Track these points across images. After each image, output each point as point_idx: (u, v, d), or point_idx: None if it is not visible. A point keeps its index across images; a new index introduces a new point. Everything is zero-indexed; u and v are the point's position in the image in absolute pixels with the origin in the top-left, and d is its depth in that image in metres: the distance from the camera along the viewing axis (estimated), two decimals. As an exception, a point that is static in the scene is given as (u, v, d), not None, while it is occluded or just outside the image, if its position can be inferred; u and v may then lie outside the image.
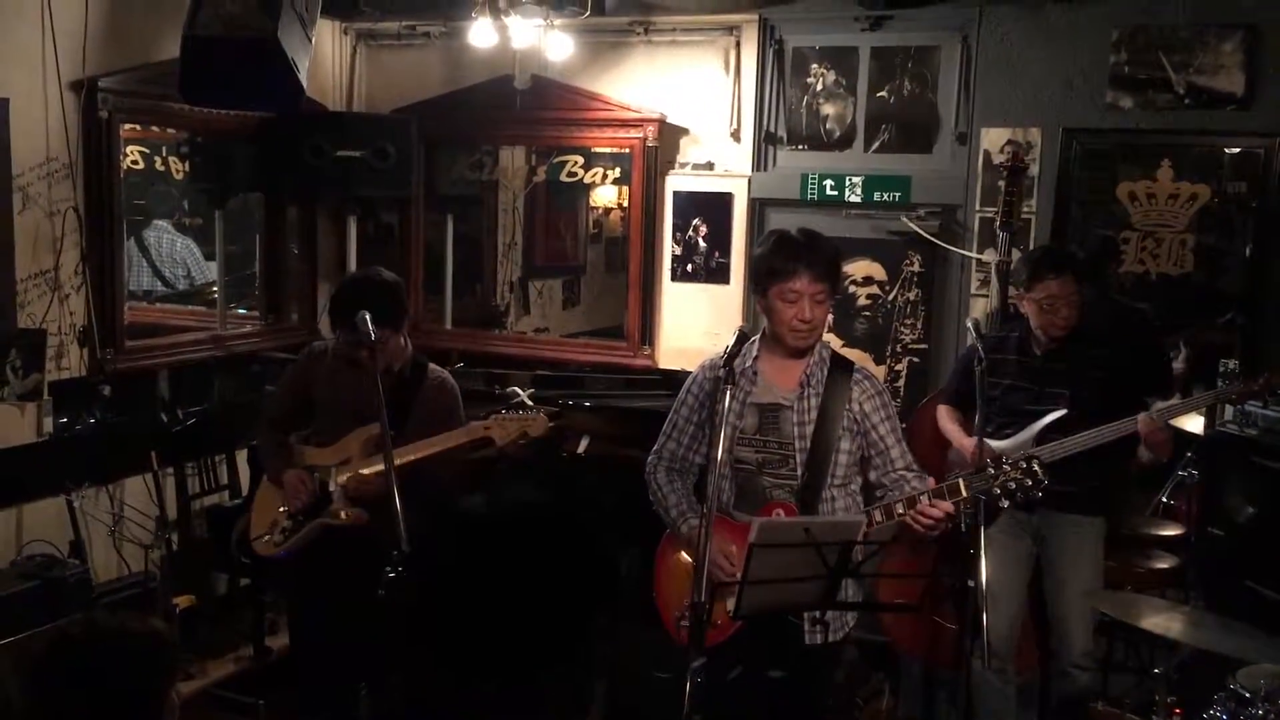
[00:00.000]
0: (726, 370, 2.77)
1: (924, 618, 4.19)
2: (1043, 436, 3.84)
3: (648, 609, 3.24)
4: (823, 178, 5.03)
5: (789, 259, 3.00)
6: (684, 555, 3.11)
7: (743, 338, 2.87)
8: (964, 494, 2.88)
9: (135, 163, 5.86)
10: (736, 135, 5.16)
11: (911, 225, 4.90)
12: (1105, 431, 3.76)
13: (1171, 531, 4.39)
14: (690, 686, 2.59)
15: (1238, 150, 4.55)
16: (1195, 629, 3.01)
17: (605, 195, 6.34)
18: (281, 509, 3.66)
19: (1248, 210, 4.54)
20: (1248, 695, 2.93)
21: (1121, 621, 3.61)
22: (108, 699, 1.95)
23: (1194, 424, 4.22)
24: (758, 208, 5.15)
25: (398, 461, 3.22)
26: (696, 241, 5.27)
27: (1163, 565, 4.32)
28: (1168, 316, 4.67)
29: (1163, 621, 3.04)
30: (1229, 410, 4.06)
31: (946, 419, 4.20)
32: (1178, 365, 4.47)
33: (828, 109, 5.08)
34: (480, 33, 4.82)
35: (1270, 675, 3.05)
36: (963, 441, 4.03)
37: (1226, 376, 4.02)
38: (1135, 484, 4.38)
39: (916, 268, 4.98)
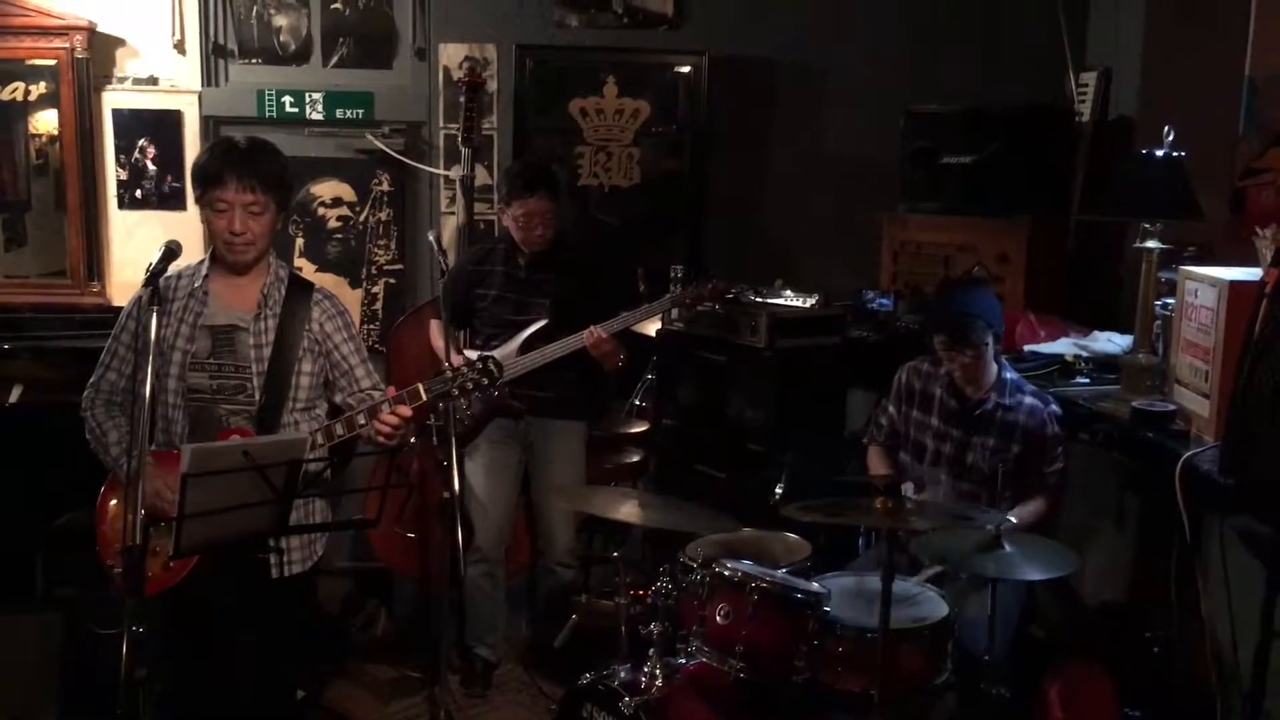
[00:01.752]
0: (149, 290, 2.53)
1: (404, 537, 4.19)
2: (527, 345, 3.95)
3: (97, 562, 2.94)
4: (281, 94, 4.76)
5: (217, 165, 2.80)
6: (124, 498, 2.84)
7: (170, 253, 2.62)
8: (424, 398, 2.86)
9: None
10: (181, 47, 4.74)
11: (377, 143, 4.80)
12: (568, 343, 3.92)
13: (641, 429, 4.71)
14: (129, 638, 2.37)
15: (672, 69, 4.89)
16: (646, 511, 3.20)
17: (48, 121, 5.60)
18: None
19: (685, 128, 4.90)
20: (691, 565, 3.20)
21: (592, 515, 3.83)
22: None
23: (655, 329, 4.55)
24: (212, 126, 4.78)
25: None
26: (145, 165, 4.82)
27: (634, 459, 4.62)
28: (628, 230, 4.96)
29: (622, 509, 3.21)
30: (674, 311, 4.40)
31: (437, 335, 4.21)
32: (640, 285, 4.77)
33: (280, 20, 4.80)
34: None
35: (709, 544, 3.37)
36: (453, 356, 4.04)
37: (677, 281, 4.35)
38: (613, 389, 4.65)
39: (386, 187, 4.89)
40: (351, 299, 4.90)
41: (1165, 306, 3.28)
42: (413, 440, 2.99)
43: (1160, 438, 3.02)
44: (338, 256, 4.93)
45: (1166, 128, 3.21)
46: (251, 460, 2.38)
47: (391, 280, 4.96)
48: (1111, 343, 3.75)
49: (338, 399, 3.03)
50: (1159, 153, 3.22)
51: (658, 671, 3.05)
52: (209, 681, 2.85)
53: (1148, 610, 3.37)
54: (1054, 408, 3.40)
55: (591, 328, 3.89)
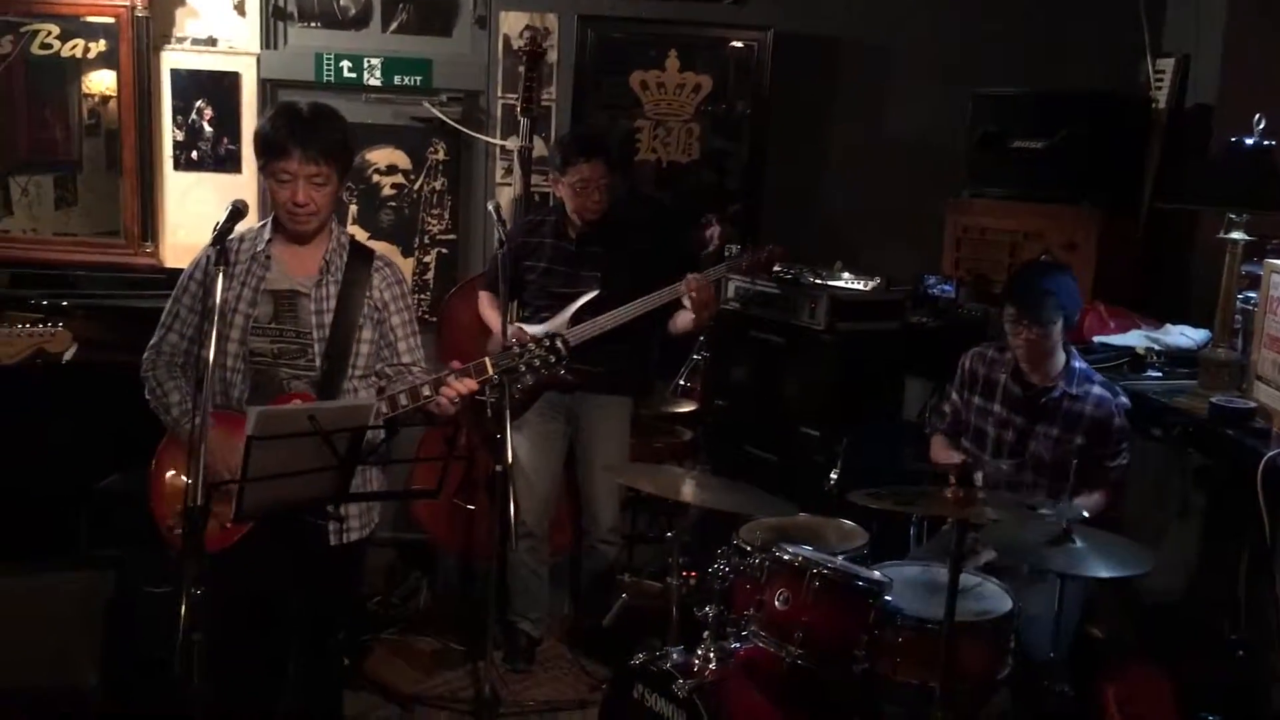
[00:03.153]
0: (218, 249, 2.49)
1: (458, 508, 4.16)
2: (577, 318, 3.89)
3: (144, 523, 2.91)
4: (339, 58, 4.72)
5: (281, 136, 2.74)
6: (185, 458, 2.81)
7: (236, 212, 2.57)
8: (490, 372, 2.82)
9: None
10: (241, 9, 4.70)
11: (435, 111, 4.75)
12: (619, 313, 3.86)
13: (688, 409, 4.65)
14: (188, 600, 2.34)
15: (735, 44, 4.80)
16: (702, 491, 3.14)
17: (101, 81, 5.60)
18: None
19: (746, 104, 4.81)
20: (747, 548, 3.15)
21: (642, 495, 3.78)
22: None
23: (706, 310, 4.48)
24: (269, 89, 4.75)
25: None
26: (201, 126, 4.79)
27: (681, 439, 4.57)
28: (679, 206, 4.89)
29: (674, 487, 3.16)
30: (730, 289, 4.33)
31: (487, 306, 4.17)
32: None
33: (341, -16, 4.77)
34: None
35: (765, 528, 3.31)
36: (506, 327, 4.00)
37: (731, 258, 4.28)
38: (657, 368, 4.59)
39: (441, 155, 4.85)
40: (403, 268, 4.81)
41: (1247, 300, 3.18)
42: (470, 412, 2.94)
43: (1240, 435, 2.93)
44: (391, 225, 4.90)
45: (1258, 115, 3.11)
46: (318, 425, 2.33)
47: (444, 250, 4.92)
48: (1185, 336, 3.65)
49: (376, 366, 2.98)
50: (1248, 141, 3.11)
51: (711, 655, 2.99)
52: (256, 644, 2.83)
53: (1213, 612, 3.28)
54: (1123, 399, 3.31)
55: (690, 276, 3.80)
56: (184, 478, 2.49)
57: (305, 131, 2.75)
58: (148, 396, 2.89)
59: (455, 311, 4.43)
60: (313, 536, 2.79)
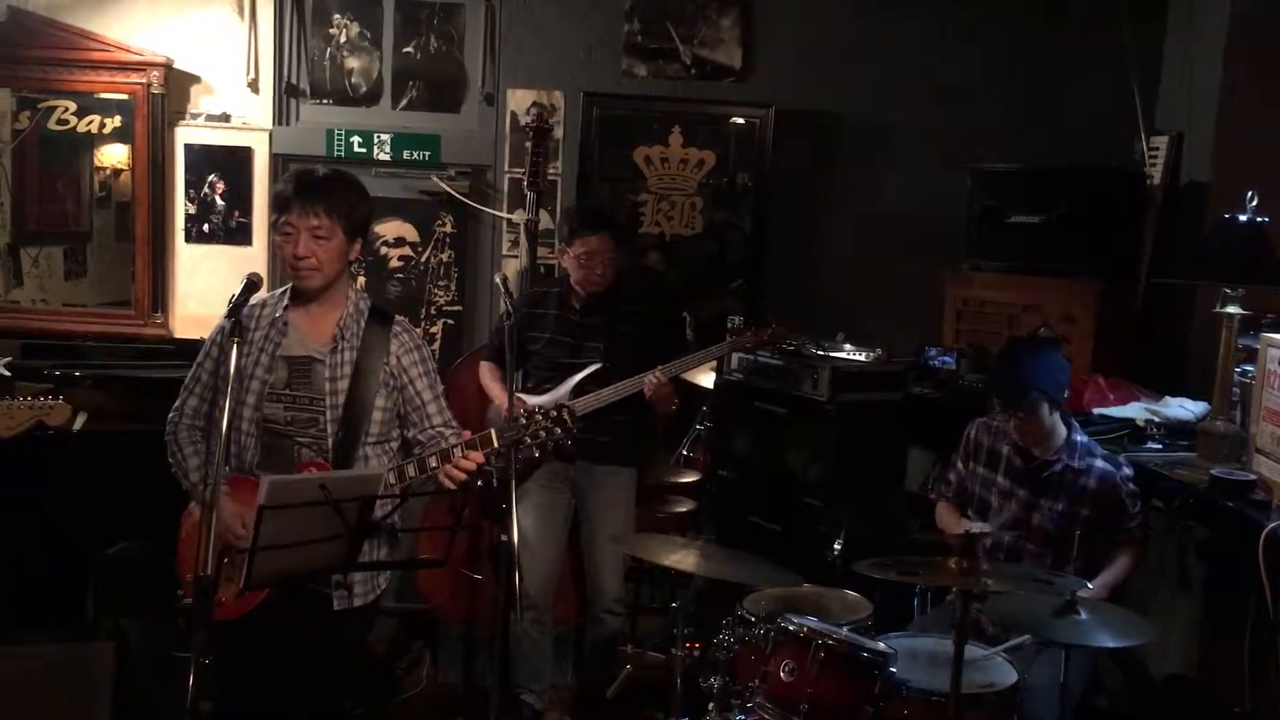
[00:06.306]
0: (232, 321, 2.55)
1: (462, 578, 4.16)
2: (579, 390, 3.92)
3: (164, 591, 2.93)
4: (350, 134, 4.83)
5: (286, 190, 2.86)
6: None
7: (251, 285, 2.64)
8: (495, 444, 2.85)
9: None
10: (254, 86, 4.83)
11: (442, 185, 4.85)
12: (621, 387, 3.90)
13: (690, 479, 4.66)
14: (196, 668, 2.36)
15: (738, 120, 4.92)
16: (707, 561, 3.14)
17: (113, 154, 5.70)
18: None
19: (749, 179, 4.90)
20: (751, 619, 3.15)
21: (647, 565, 3.77)
22: None
23: (708, 380, 4.52)
24: (281, 163, 4.85)
25: None
26: (213, 199, 4.88)
27: (683, 509, 4.57)
28: (684, 281, 4.97)
29: (678, 557, 3.16)
30: (733, 360, 4.38)
31: (488, 376, 4.19)
32: (688, 333, 4.75)
33: (352, 62, 4.88)
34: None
35: (770, 598, 3.32)
36: (503, 397, 4.03)
37: (733, 331, 4.33)
38: (661, 438, 4.61)
39: (449, 228, 4.94)
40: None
41: (1244, 373, 3.22)
42: (479, 483, 2.98)
43: (1241, 506, 2.95)
44: (398, 296, 4.96)
45: (1250, 192, 3.18)
46: (328, 494, 2.37)
47: (450, 321, 4.98)
48: (1184, 409, 3.69)
49: (409, 434, 3.01)
50: (1242, 217, 3.18)
51: (716, 727, 2.99)
52: (263, 714, 2.83)
53: (1218, 683, 3.27)
54: (1127, 470, 3.33)
55: (654, 372, 3.86)
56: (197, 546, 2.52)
57: (310, 187, 2.85)
58: (169, 459, 2.96)
59: (460, 381, 4.47)
60: (319, 604, 2.81)
